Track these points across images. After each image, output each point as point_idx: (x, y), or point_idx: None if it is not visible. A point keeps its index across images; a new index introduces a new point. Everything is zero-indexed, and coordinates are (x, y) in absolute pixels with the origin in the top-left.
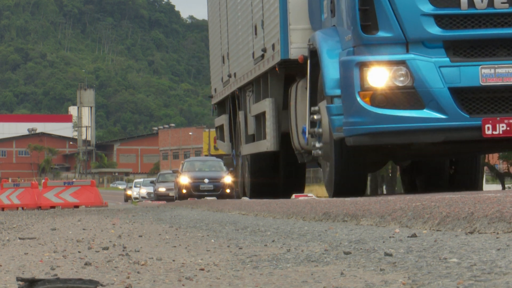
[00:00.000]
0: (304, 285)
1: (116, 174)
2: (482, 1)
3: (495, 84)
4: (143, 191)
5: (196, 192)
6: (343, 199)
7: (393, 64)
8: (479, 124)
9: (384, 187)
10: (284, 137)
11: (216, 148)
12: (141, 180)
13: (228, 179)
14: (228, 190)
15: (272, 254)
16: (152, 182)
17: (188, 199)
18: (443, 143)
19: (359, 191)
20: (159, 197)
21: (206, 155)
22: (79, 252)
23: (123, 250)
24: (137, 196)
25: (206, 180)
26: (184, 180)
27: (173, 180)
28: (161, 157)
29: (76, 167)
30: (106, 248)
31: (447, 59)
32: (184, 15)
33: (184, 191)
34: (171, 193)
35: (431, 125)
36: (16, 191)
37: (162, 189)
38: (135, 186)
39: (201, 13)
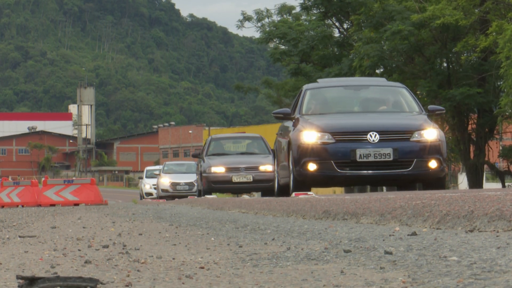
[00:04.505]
0: (304, 283)
1: (116, 172)
2: None
3: None
4: (165, 180)
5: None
6: (343, 198)
7: None
8: None
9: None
10: None
11: None
12: (157, 167)
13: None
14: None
15: (272, 252)
16: (196, 156)
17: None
18: None
19: None
20: (212, 185)
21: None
22: (79, 250)
23: (123, 248)
24: (151, 190)
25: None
26: (309, 134)
27: (237, 152)
28: (161, 155)
29: (76, 165)
30: (106, 246)
31: None
32: (184, 13)
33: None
34: (238, 178)
35: None
36: (16, 189)
37: (218, 169)
38: (147, 177)
39: (201, 12)
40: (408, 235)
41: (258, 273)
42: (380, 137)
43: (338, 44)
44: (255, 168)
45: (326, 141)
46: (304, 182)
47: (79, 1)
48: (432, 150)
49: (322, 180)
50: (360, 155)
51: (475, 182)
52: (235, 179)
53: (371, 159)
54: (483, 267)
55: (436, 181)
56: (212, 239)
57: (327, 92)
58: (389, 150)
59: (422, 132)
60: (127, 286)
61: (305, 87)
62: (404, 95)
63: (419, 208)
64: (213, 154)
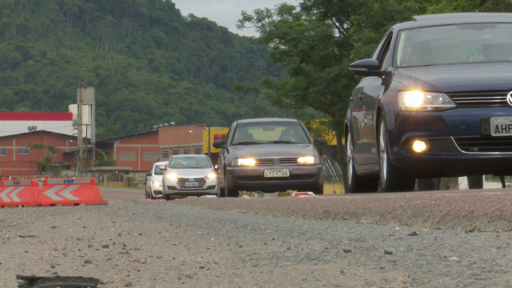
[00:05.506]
0: (304, 283)
1: (116, 172)
2: None
3: None
4: (172, 176)
5: None
6: (343, 197)
7: None
8: None
9: None
10: None
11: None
12: (167, 162)
13: None
14: None
15: (272, 252)
16: (218, 145)
17: None
18: None
19: None
20: (239, 181)
21: None
22: (79, 250)
23: (123, 248)
24: (161, 188)
25: None
26: (413, 96)
27: (269, 141)
28: (161, 155)
29: (76, 165)
30: (106, 246)
31: None
32: (184, 13)
33: None
34: (272, 172)
35: None
36: (16, 189)
37: (246, 161)
38: (156, 173)
39: (201, 12)
40: (408, 235)
41: (258, 273)
42: None
43: (338, 44)
44: (293, 160)
45: (441, 105)
46: (407, 171)
47: (79, 1)
48: None
49: (436, 166)
50: (497, 126)
51: (475, 182)
52: (268, 173)
53: None
54: (483, 267)
55: None
56: (212, 239)
57: (432, 34)
58: None
59: None
60: (127, 286)
61: (397, 27)
62: None
63: (419, 208)
64: (240, 143)
